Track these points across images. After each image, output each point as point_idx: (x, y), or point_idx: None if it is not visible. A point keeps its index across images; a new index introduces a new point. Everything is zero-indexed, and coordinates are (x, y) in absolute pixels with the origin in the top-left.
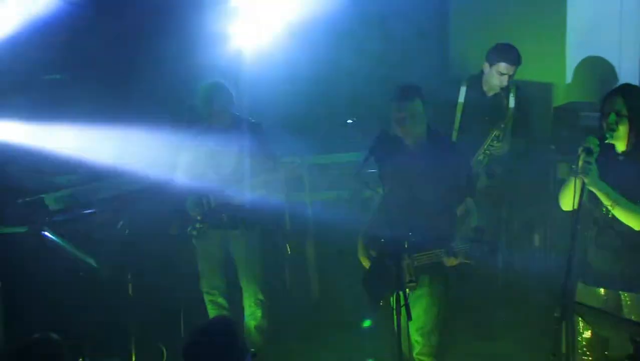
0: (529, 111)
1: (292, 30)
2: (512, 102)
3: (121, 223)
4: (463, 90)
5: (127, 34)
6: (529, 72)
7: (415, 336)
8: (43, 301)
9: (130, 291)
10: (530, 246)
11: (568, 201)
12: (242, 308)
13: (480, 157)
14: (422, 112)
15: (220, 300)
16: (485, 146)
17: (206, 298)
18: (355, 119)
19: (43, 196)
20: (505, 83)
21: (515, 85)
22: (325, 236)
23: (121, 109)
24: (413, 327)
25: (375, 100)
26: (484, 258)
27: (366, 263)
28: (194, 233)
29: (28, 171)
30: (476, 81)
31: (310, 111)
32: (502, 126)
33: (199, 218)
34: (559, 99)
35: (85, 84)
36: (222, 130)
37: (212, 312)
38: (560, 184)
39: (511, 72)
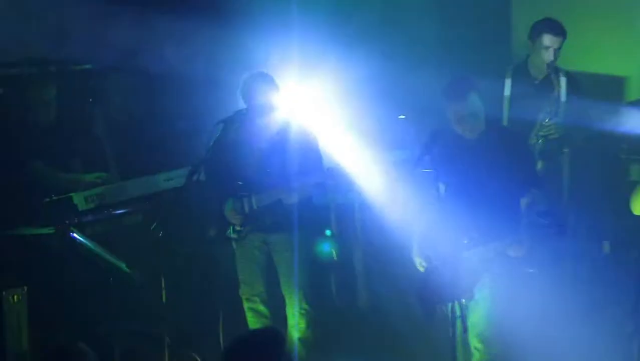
0: (586, 100)
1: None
2: (563, 85)
3: (155, 224)
4: (508, 82)
5: None
6: (600, 64)
7: (475, 343)
8: (70, 308)
9: (164, 298)
10: (598, 254)
11: None
12: (285, 318)
13: (534, 140)
14: (479, 106)
15: (261, 308)
16: (537, 127)
17: (246, 305)
18: (404, 116)
19: (71, 194)
20: (551, 58)
21: (566, 72)
22: (375, 240)
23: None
24: (472, 333)
25: (431, 91)
26: (553, 241)
27: (421, 266)
28: (234, 236)
29: (55, 168)
30: (521, 69)
31: (357, 105)
32: (554, 97)
33: (239, 220)
34: (633, 93)
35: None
36: (266, 125)
37: (252, 321)
38: (632, 186)
39: (556, 45)
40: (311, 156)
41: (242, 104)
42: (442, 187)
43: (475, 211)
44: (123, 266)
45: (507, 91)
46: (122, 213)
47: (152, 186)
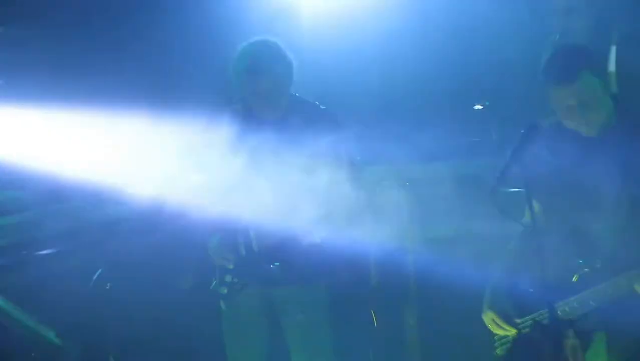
0: None
1: None
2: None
3: (99, 271)
4: (612, 50)
5: None
6: None
7: None
8: None
9: None
10: None
11: None
12: None
13: None
14: (599, 90)
15: None
16: None
17: None
18: (487, 103)
19: None
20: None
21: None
22: (435, 298)
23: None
24: None
25: (521, 73)
26: None
27: (497, 330)
28: (224, 290)
29: None
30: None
31: (407, 93)
32: None
33: (230, 266)
34: None
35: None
36: (274, 122)
37: None
38: None
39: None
40: (341, 167)
41: (234, 89)
42: (537, 207)
43: (588, 239)
44: (51, 335)
45: (611, 66)
46: (47, 254)
47: (92, 213)
